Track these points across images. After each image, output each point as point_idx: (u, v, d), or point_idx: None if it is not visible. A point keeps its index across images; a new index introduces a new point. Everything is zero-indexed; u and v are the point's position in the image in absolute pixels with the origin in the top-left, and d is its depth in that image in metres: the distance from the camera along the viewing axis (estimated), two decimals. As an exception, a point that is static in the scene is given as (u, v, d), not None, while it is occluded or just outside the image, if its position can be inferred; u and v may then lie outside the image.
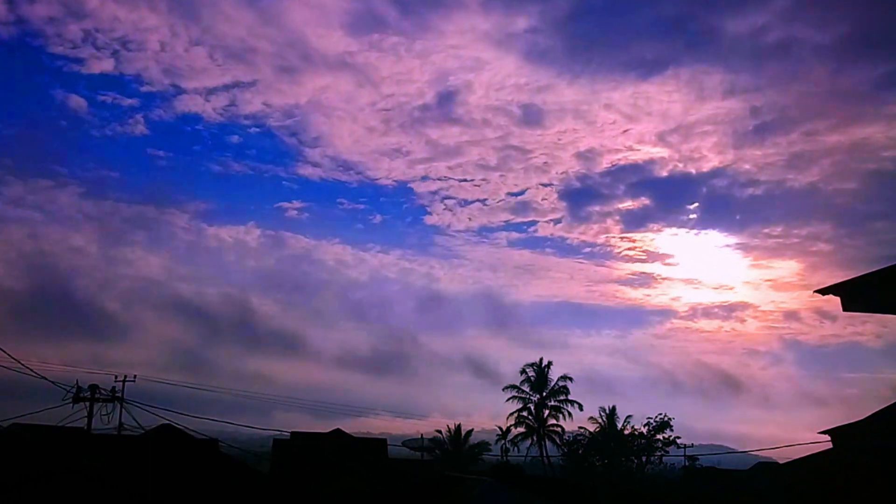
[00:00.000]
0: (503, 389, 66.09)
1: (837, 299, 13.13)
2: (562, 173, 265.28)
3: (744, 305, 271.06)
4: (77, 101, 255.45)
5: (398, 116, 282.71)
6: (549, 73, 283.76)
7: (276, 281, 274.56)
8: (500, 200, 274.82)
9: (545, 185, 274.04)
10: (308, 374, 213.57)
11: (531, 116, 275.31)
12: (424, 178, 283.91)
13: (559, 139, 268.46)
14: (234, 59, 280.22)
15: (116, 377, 38.89)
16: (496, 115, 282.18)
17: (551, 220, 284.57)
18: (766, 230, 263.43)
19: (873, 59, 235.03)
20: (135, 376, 39.60)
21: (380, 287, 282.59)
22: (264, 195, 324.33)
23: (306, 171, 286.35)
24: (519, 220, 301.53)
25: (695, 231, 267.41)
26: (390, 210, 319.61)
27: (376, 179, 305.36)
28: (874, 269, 12.07)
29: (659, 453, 59.90)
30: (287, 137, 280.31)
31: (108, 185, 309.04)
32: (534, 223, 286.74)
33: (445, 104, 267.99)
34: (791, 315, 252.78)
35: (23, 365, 32.14)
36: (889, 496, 12.87)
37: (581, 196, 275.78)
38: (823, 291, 12.95)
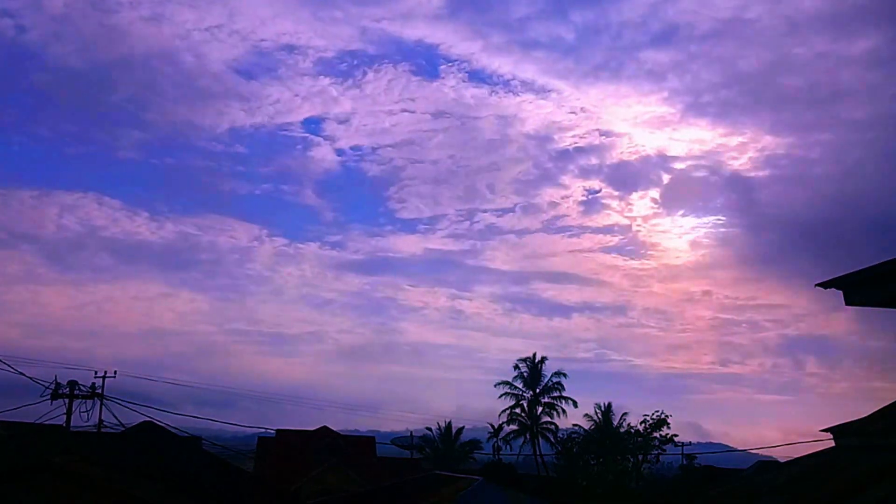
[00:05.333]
0: (495, 386, 65.51)
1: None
2: (511, 157, 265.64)
3: (703, 291, 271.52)
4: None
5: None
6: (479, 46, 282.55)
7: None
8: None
9: (497, 170, 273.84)
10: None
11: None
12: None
13: (506, 117, 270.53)
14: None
15: (96, 373, 37.92)
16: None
17: (502, 207, 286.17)
18: (717, 215, 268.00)
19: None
20: (115, 372, 38.63)
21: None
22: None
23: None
24: (467, 207, 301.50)
25: (652, 216, 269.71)
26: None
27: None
28: (878, 263, 11.53)
29: (656, 451, 58.99)
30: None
31: None
32: (484, 210, 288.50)
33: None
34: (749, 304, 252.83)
35: (-1, 360, 31.16)
36: (892, 496, 12.04)
37: (533, 181, 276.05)
38: (825, 285, 12.52)
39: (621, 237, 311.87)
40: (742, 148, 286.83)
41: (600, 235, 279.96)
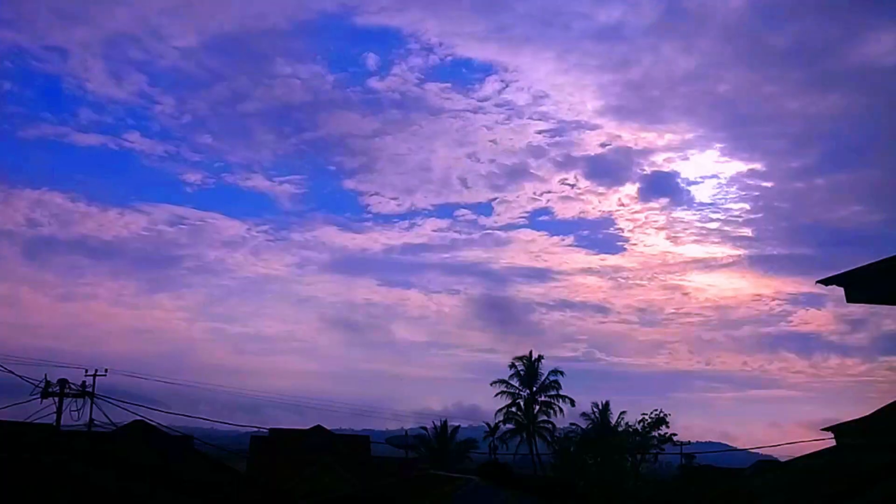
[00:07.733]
0: (491, 384, 65.16)
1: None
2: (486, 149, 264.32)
3: (685, 288, 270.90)
4: None
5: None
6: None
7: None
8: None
9: (471, 160, 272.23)
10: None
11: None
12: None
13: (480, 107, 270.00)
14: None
15: (87, 371, 37.53)
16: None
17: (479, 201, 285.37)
18: (699, 212, 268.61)
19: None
20: (105, 370, 38.25)
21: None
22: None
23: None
24: (442, 201, 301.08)
25: (631, 209, 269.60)
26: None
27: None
28: (878, 260, 11.44)
29: (654, 451, 58.66)
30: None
31: None
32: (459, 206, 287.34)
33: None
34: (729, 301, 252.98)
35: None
36: (893, 495, 11.85)
37: (509, 173, 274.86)
38: (827, 282, 12.52)
39: (602, 232, 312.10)
40: (712, 139, 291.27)
41: (580, 231, 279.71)
